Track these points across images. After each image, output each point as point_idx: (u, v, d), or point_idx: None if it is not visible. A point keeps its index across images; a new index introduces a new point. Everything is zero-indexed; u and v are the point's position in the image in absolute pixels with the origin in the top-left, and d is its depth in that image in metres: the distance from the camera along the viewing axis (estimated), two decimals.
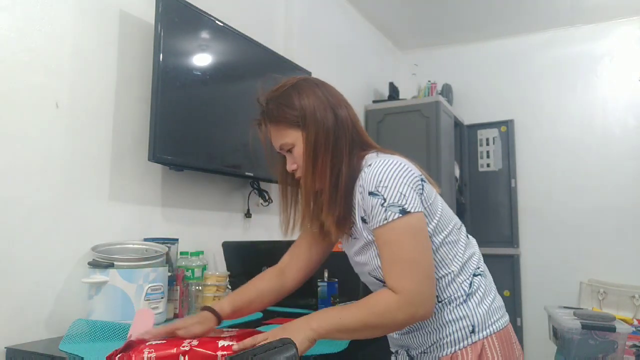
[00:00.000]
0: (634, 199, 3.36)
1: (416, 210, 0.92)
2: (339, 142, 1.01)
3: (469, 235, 1.13)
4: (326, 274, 1.63)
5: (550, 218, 3.61)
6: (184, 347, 0.87)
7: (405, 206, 0.91)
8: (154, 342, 0.90)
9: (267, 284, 1.19)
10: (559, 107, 3.67)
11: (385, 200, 0.92)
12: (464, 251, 1.05)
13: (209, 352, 0.86)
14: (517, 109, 3.79)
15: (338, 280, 1.63)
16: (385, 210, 0.92)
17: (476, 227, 3.78)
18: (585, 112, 3.59)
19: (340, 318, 0.92)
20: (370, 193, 0.94)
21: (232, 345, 0.89)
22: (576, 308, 2.87)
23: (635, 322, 2.93)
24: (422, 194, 0.96)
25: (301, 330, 0.91)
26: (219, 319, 1.08)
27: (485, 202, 3.83)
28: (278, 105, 1.03)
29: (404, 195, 0.92)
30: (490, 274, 1.12)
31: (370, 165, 0.97)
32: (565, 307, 2.86)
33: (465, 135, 3.91)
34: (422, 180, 0.98)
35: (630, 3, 3.33)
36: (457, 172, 3.70)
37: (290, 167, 1.06)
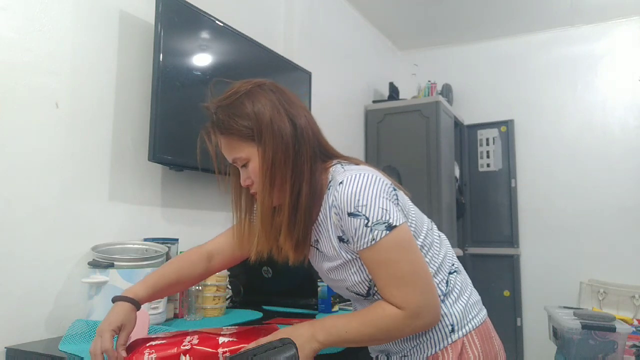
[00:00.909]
0: (634, 199, 3.36)
1: (400, 222, 0.89)
2: (299, 156, 0.93)
3: (440, 233, 1.10)
4: None
5: (550, 218, 3.61)
6: (184, 346, 0.87)
7: (390, 221, 0.88)
8: (154, 343, 0.90)
9: (191, 268, 1.09)
10: (559, 107, 3.67)
11: (368, 219, 0.87)
12: (439, 251, 1.02)
13: (210, 350, 0.86)
14: (517, 109, 3.80)
15: None
16: (371, 230, 0.87)
17: (476, 227, 3.79)
18: (585, 112, 3.59)
19: (347, 332, 0.90)
20: (350, 214, 0.89)
21: (233, 341, 0.89)
22: (576, 308, 2.87)
23: (635, 322, 2.93)
24: (397, 203, 0.93)
25: (307, 342, 0.89)
26: (137, 306, 0.98)
27: (485, 202, 3.83)
28: (229, 116, 0.93)
29: (386, 210, 0.88)
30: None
31: (341, 183, 0.90)
32: (565, 307, 2.86)
33: (465, 135, 3.91)
34: (394, 189, 0.94)
35: (630, 3, 3.33)
36: (457, 172, 3.70)
37: (244, 182, 0.98)
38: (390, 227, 0.88)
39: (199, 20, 1.85)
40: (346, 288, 1.02)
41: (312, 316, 1.56)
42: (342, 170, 0.95)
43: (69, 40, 1.47)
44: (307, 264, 1.61)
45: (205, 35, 1.87)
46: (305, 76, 2.48)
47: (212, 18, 1.90)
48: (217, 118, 0.95)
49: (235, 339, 0.90)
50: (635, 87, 3.46)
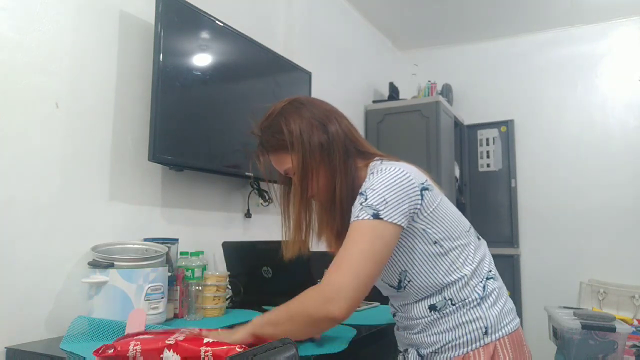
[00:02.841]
0: (634, 199, 3.36)
1: (390, 220, 0.91)
2: (331, 157, 1.03)
3: (480, 237, 1.13)
4: None
5: (550, 218, 3.61)
6: (169, 340, 0.88)
7: (381, 212, 0.91)
8: (141, 337, 0.91)
9: None
10: (559, 107, 3.67)
11: (366, 200, 0.93)
12: (474, 254, 1.05)
13: (193, 347, 0.88)
14: (517, 109, 3.80)
15: None
16: (362, 208, 0.93)
17: (476, 227, 3.71)
18: (585, 112, 3.59)
19: (274, 310, 0.97)
20: (360, 193, 0.97)
21: (217, 341, 0.90)
22: (576, 308, 2.87)
23: (635, 322, 2.93)
24: (418, 204, 0.96)
25: (243, 328, 0.97)
26: None
27: (485, 202, 3.83)
28: (270, 134, 1.06)
29: (386, 202, 0.92)
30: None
31: (373, 173, 0.98)
32: (565, 307, 2.86)
33: (465, 135, 3.91)
34: (422, 189, 0.97)
35: (630, 3, 3.33)
36: (457, 172, 3.70)
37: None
38: (376, 216, 0.91)
39: (199, 20, 1.85)
40: (381, 279, 1.06)
41: None
42: (379, 164, 1.02)
43: (68, 40, 1.47)
44: (307, 264, 1.61)
45: (205, 35, 1.87)
46: (305, 76, 2.48)
47: (212, 18, 1.90)
48: (263, 139, 1.09)
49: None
50: (635, 87, 3.46)
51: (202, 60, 1.84)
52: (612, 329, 2.41)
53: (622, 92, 3.49)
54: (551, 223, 3.60)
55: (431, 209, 0.99)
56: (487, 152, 3.86)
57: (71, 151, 1.46)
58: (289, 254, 1.09)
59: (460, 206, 3.69)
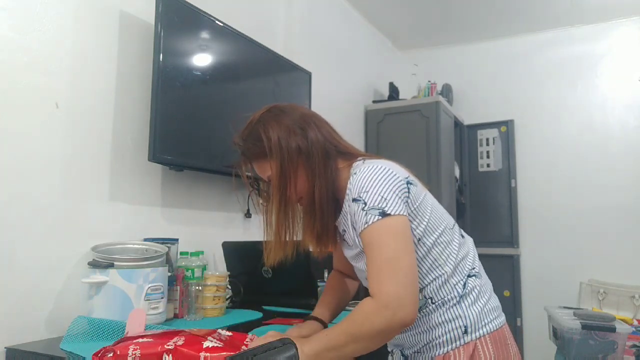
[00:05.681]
0: (634, 199, 3.36)
1: (397, 212, 0.92)
2: (310, 160, 1.03)
3: (464, 235, 1.12)
4: (326, 274, 1.63)
5: (550, 218, 3.61)
6: (168, 345, 0.88)
7: (386, 209, 0.92)
8: (141, 340, 0.91)
9: (343, 283, 1.27)
10: (559, 107, 3.67)
11: (366, 204, 0.93)
12: (458, 251, 1.04)
13: (192, 352, 0.87)
14: (517, 109, 3.80)
15: None
16: (366, 214, 0.93)
17: (476, 227, 3.78)
18: (585, 112, 3.59)
19: (327, 335, 0.92)
20: (354, 200, 0.96)
21: (218, 346, 0.89)
22: (576, 308, 2.87)
23: (635, 322, 2.93)
24: (407, 197, 0.97)
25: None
26: (325, 327, 1.15)
27: (485, 202, 3.83)
28: (252, 143, 1.06)
29: (385, 199, 0.92)
30: (487, 274, 1.13)
31: (355, 173, 0.98)
32: (565, 307, 2.86)
33: (465, 135, 3.91)
34: (407, 183, 0.98)
35: (630, 3, 3.33)
36: (457, 172, 3.70)
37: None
38: (383, 214, 0.91)
39: (199, 20, 1.85)
40: (366, 279, 1.04)
41: None
42: (361, 164, 1.02)
43: (69, 40, 1.47)
44: (307, 264, 1.61)
45: (205, 35, 1.87)
46: (305, 76, 2.48)
47: (212, 18, 1.90)
48: (245, 148, 1.08)
49: (220, 345, 0.90)
50: (635, 87, 3.46)
51: (202, 60, 1.84)
52: (612, 329, 2.41)
53: (622, 92, 3.49)
54: (551, 223, 3.60)
55: (416, 205, 0.99)
56: (487, 152, 3.86)
57: (71, 151, 1.46)
58: (270, 260, 1.08)
59: (460, 206, 3.69)
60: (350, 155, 1.09)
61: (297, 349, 0.87)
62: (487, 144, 3.86)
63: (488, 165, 3.85)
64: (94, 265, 1.32)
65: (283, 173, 1.02)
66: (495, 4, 3.38)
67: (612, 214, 3.41)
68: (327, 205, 1.03)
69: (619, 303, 3.19)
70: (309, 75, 2.50)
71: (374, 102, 3.55)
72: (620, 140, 3.46)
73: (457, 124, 3.75)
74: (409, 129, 3.28)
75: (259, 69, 2.17)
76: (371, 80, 3.61)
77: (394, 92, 3.59)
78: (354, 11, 3.39)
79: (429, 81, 3.65)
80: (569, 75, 3.66)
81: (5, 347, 1.22)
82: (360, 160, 1.06)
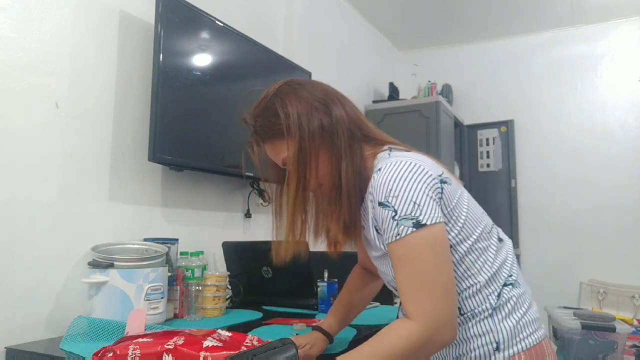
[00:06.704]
0: (634, 199, 3.36)
1: (433, 221, 0.80)
2: (334, 141, 0.91)
3: (503, 237, 1.00)
4: (326, 274, 1.63)
5: (550, 218, 3.61)
6: (168, 345, 0.88)
7: (420, 218, 0.80)
8: (141, 340, 0.91)
9: (362, 283, 1.17)
10: (559, 107, 3.67)
11: (396, 212, 0.81)
12: (494, 259, 0.92)
13: (192, 352, 0.87)
14: (517, 109, 3.80)
15: (338, 280, 1.63)
16: (397, 224, 0.81)
17: None
18: (585, 112, 3.59)
19: (352, 357, 0.82)
20: (380, 204, 0.83)
21: (218, 346, 0.89)
22: (576, 308, 2.86)
23: (635, 322, 2.93)
24: (441, 198, 0.85)
25: None
26: (330, 339, 1.11)
27: (485, 202, 3.80)
28: (267, 119, 0.94)
29: (418, 205, 0.80)
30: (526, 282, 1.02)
31: (380, 169, 0.85)
32: (565, 307, 2.85)
33: (465, 135, 3.91)
34: (441, 181, 0.86)
35: (630, 3, 3.33)
36: (457, 172, 3.70)
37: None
38: (418, 225, 0.80)
39: (199, 20, 1.85)
40: (388, 282, 0.99)
41: (312, 316, 1.56)
42: (387, 156, 0.91)
43: (69, 40, 1.47)
44: (307, 264, 1.61)
45: (205, 35, 1.87)
46: (305, 76, 2.48)
47: (212, 18, 1.90)
48: (257, 125, 0.95)
49: (220, 344, 0.90)
50: (635, 87, 3.46)
51: (202, 60, 1.84)
52: (612, 329, 2.41)
53: (622, 92, 3.49)
54: (551, 223, 3.60)
55: (451, 207, 0.87)
56: (487, 152, 3.86)
57: (71, 151, 1.46)
58: (281, 256, 0.97)
59: None
60: (376, 142, 0.97)
61: (297, 349, 0.86)
62: (487, 144, 3.86)
63: (488, 166, 3.85)
64: (94, 265, 1.32)
65: (302, 154, 0.90)
66: (495, 4, 3.38)
67: (612, 214, 3.41)
68: (354, 192, 0.91)
69: (619, 303, 3.19)
70: (308, 75, 2.50)
71: (374, 102, 3.55)
72: (620, 140, 3.46)
73: (457, 124, 3.75)
74: (409, 129, 3.28)
75: (259, 69, 2.17)
76: (371, 80, 3.61)
77: (394, 92, 3.59)
78: (354, 11, 3.39)
79: (429, 81, 3.65)
80: (569, 75, 3.66)
81: (5, 347, 1.22)
82: (386, 150, 0.94)
